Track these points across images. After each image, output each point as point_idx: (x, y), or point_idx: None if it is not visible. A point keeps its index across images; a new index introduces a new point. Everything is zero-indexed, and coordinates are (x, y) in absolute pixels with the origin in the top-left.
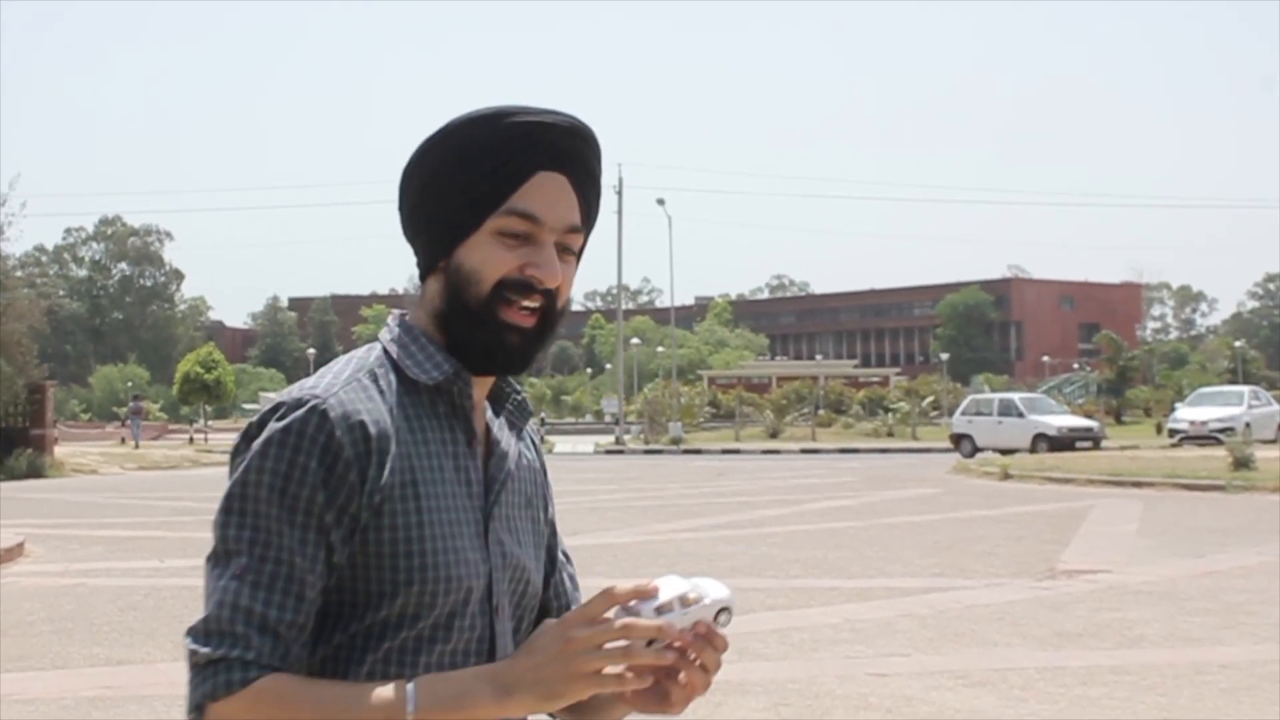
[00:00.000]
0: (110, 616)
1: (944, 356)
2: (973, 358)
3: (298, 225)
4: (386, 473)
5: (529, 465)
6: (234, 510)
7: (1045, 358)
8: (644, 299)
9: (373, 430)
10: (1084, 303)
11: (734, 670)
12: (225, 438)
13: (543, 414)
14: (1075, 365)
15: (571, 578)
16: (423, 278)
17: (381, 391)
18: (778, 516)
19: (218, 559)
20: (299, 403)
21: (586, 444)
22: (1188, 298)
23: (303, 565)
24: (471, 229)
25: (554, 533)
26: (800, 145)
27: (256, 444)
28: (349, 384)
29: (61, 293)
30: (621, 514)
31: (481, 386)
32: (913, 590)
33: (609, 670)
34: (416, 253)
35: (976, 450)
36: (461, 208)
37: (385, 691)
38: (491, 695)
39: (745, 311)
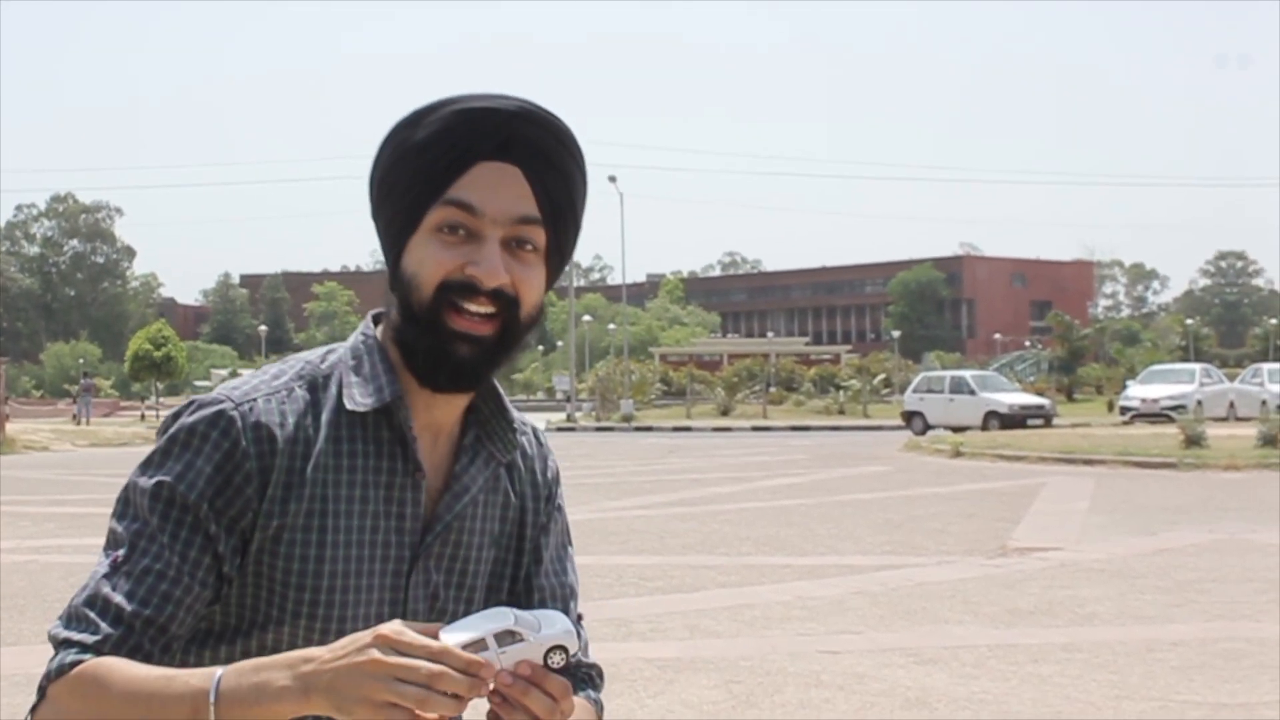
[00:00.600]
0: (62, 593)
1: (895, 334)
2: (924, 335)
3: (250, 201)
4: (292, 496)
5: (503, 504)
6: (126, 501)
7: (997, 335)
8: (595, 276)
9: (284, 447)
10: (1036, 280)
11: (686, 647)
12: None
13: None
14: (1027, 343)
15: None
16: (392, 288)
17: (317, 405)
18: (729, 494)
19: (105, 547)
20: (212, 402)
21: (538, 421)
22: (1140, 275)
23: (178, 566)
24: (413, 227)
25: (566, 597)
26: (753, 121)
27: (161, 440)
28: (277, 392)
29: (13, 269)
30: (572, 491)
31: (447, 409)
32: (864, 568)
33: (402, 704)
34: (386, 264)
35: (928, 428)
36: (404, 205)
37: (194, 677)
38: (293, 692)
39: (697, 289)
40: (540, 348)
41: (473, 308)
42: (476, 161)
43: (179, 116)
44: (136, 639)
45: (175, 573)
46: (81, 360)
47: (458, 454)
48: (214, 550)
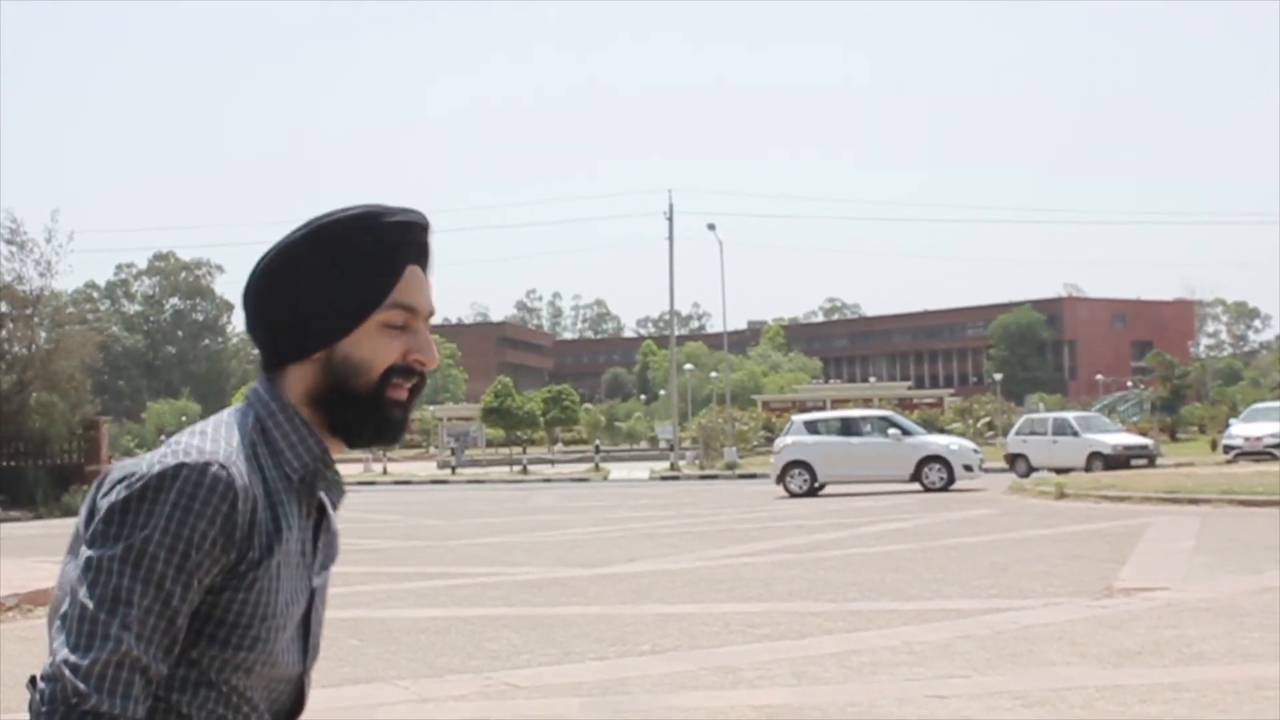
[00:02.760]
0: None
1: (997, 376)
2: (1026, 377)
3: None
4: (263, 549)
5: (335, 534)
6: (132, 562)
7: (1099, 376)
8: (695, 325)
9: (260, 505)
10: (1136, 320)
11: (794, 694)
12: None
13: (598, 441)
14: (1129, 383)
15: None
16: (279, 365)
17: (262, 467)
18: (834, 540)
19: (104, 602)
20: (205, 467)
21: (641, 470)
22: (1241, 313)
23: (182, 619)
24: (358, 323)
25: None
26: (850, 166)
27: (165, 502)
28: (241, 454)
29: (115, 328)
30: (678, 539)
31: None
32: (970, 611)
33: None
34: (276, 342)
35: (1031, 470)
36: (347, 304)
37: None
38: None
39: (798, 335)
40: (643, 397)
41: (406, 383)
42: (407, 266)
43: (275, 171)
44: (153, 687)
45: (180, 625)
46: (184, 419)
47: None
48: (202, 592)
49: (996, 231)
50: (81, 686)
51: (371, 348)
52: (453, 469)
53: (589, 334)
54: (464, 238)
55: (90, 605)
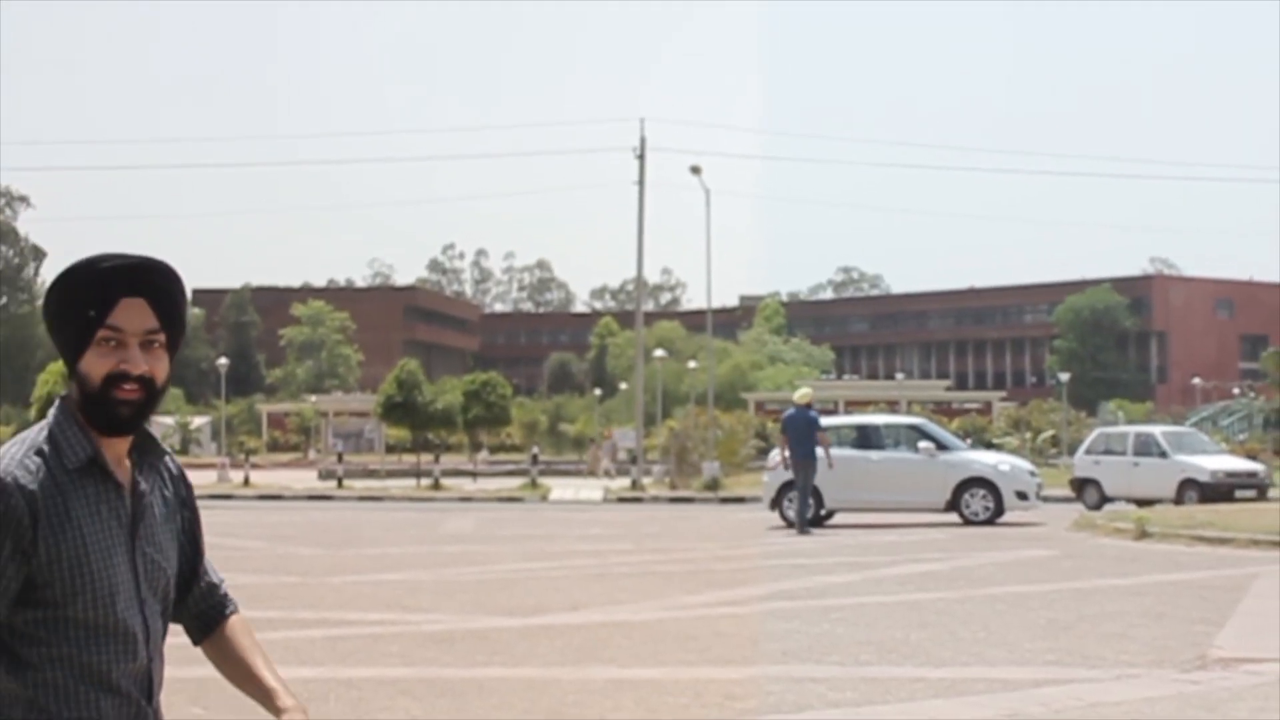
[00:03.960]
0: None
1: (1064, 377)
2: (1101, 379)
3: (203, 193)
4: (56, 527)
5: (167, 497)
6: None
7: (1196, 380)
8: (668, 299)
9: (39, 494)
10: (1248, 308)
11: None
12: None
13: (535, 449)
14: (1235, 390)
15: (212, 585)
16: (69, 379)
17: (50, 464)
18: (844, 584)
19: None
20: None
21: (594, 488)
22: None
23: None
24: (84, 346)
25: (197, 551)
26: (876, 100)
27: None
28: (19, 464)
29: None
30: (639, 581)
31: (119, 445)
32: (1021, 683)
33: None
34: (64, 363)
35: (1105, 500)
36: (75, 333)
37: None
38: None
39: (803, 315)
40: (597, 392)
41: (126, 385)
42: (120, 298)
43: (106, 80)
44: None
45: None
46: None
47: (135, 471)
48: (15, 566)
49: (1067, 187)
50: None
51: (90, 362)
52: (339, 480)
53: (527, 306)
54: (362, 172)
55: None
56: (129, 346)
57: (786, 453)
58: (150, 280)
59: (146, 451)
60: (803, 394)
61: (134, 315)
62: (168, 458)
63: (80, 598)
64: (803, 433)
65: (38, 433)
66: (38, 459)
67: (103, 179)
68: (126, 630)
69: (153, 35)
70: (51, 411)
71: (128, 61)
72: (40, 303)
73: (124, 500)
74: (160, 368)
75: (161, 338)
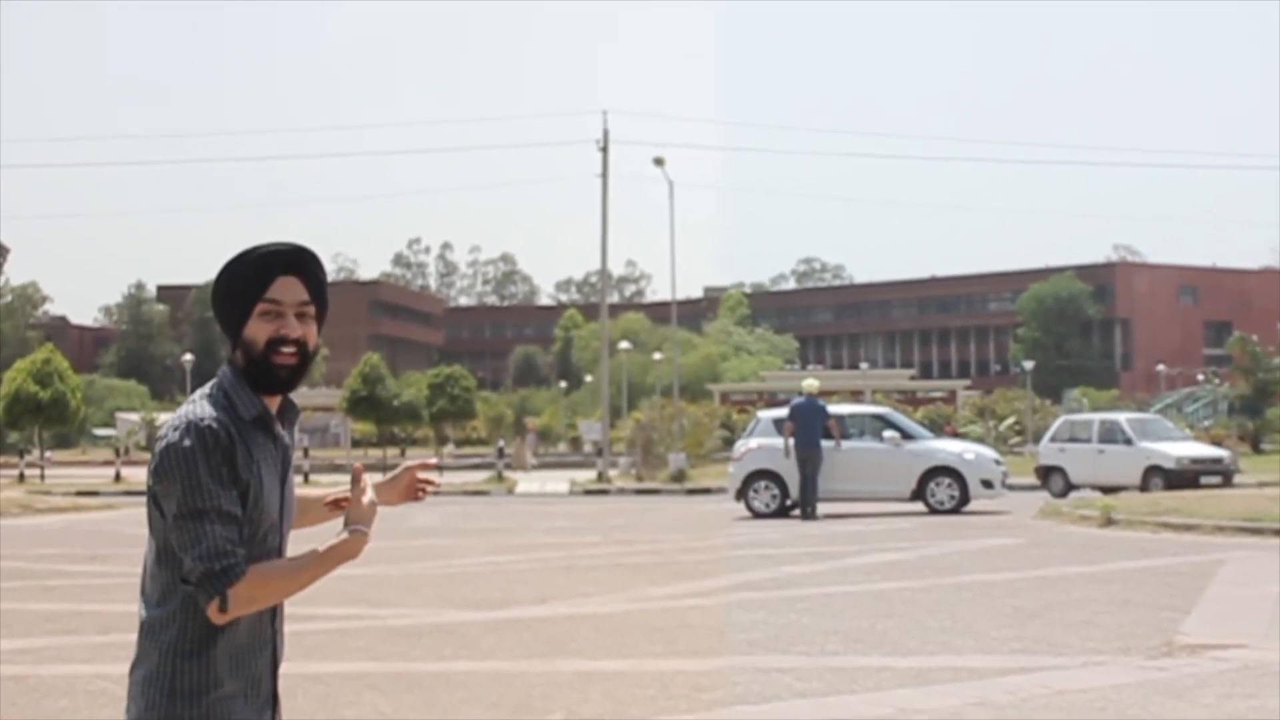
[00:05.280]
0: None
1: (1027, 365)
2: (1065, 366)
3: (167, 188)
4: (243, 459)
5: (291, 449)
6: (190, 488)
7: (1161, 367)
8: (633, 290)
9: (237, 436)
10: (1212, 294)
11: None
12: (69, 474)
13: (501, 442)
14: (1200, 377)
15: None
16: (233, 350)
17: (231, 415)
18: (810, 574)
19: (193, 515)
20: (194, 423)
21: (560, 481)
22: None
23: (229, 505)
24: (247, 317)
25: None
26: (837, 89)
27: (185, 449)
28: (213, 416)
29: None
30: (606, 574)
31: (274, 402)
32: (987, 671)
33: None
34: (223, 330)
35: (1070, 487)
36: (241, 305)
37: (307, 553)
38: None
39: (767, 306)
40: (563, 384)
41: (285, 349)
42: (276, 277)
43: (69, 77)
44: (244, 549)
45: (235, 512)
46: None
47: (279, 426)
48: (236, 493)
49: (1029, 175)
50: (210, 564)
51: (254, 329)
52: (305, 475)
53: (491, 299)
54: (325, 167)
55: (186, 519)
56: (286, 316)
57: (791, 440)
58: (301, 261)
59: (288, 410)
60: (809, 384)
61: (289, 290)
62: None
63: (250, 523)
64: (810, 421)
65: (214, 391)
66: (222, 412)
67: (60, 176)
68: (270, 555)
69: (106, 32)
70: (218, 377)
71: (81, 59)
72: (6, 300)
73: (279, 449)
74: (311, 334)
75: (312, 310)
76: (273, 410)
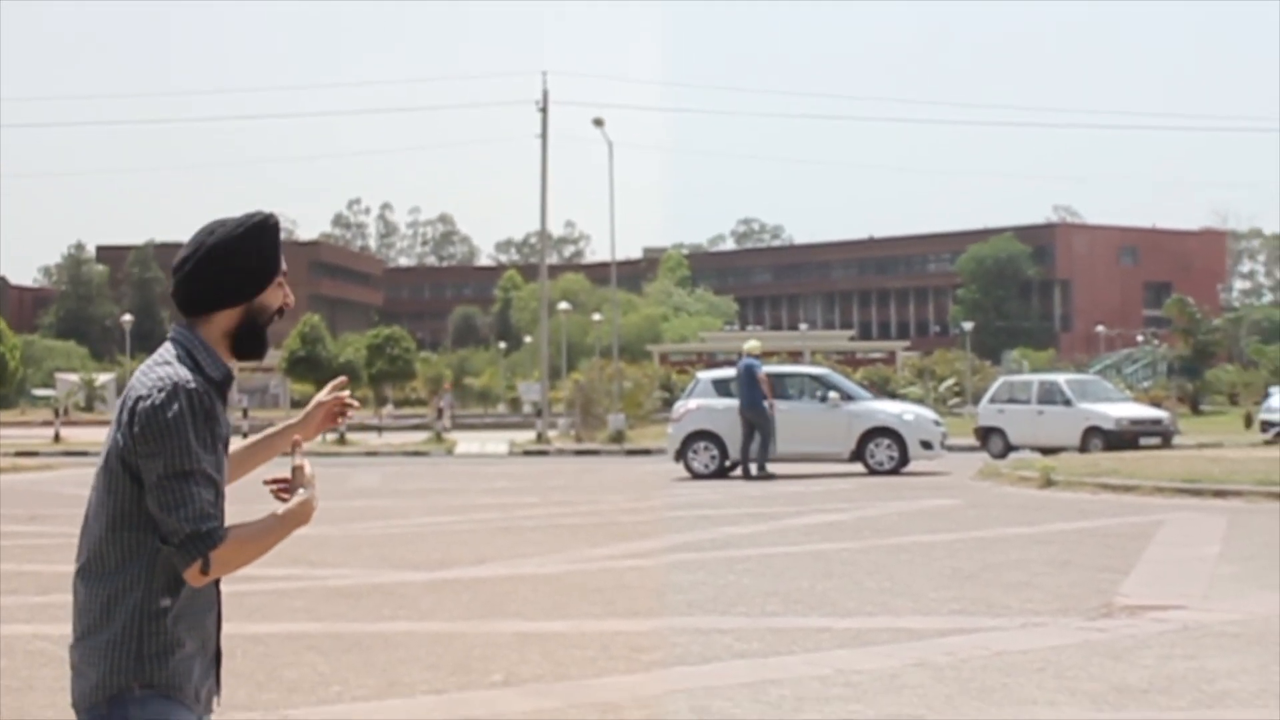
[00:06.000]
0: None
1: (967, 326)
2: (1005, 328)
3: (106, 149)
4: (212, 417)
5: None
6: (179, 450)
7: (1100, 328)
8: (572, 251)
9: (211, 394)
10: (1151, 255)
11: None
12: (7, 435)
13: (441, 402)
14: (1139, 338)
15: None
16: (214, 310)
17: (201, 376)
18: (750, 535)
19: (180, 477)
20: (181, 384)
21: (499, 442)
22: None
23: (211, 470)
24: (268, 284)
25: None
26: (776, 50)
27: (173, 411)
28: (188, 376)
29: None
30: (544, 535)
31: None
32: (926, 632)
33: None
34: (217, 294)
35: (1009, 449)
36: (265, 273)
37: (267, 516)
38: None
39: (706, 266)
40: (502, 345)
41: (278, 317)
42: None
43: (3, 35)
44: (222, 509)
45: (216, 474)
46: None
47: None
48: (216, 455)
49: (968, 136)
50: (197, 525)
51: (272, 295)
52: (244, 435)
53: (431, 260)
54: (265, 128)
55: (172, 480)
56: (284, 285)
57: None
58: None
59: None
60: (750, 345)
61: (286, 261)
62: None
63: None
64: (747, 381)
65: (177, 352)
66: (195, 372)
67: (4, 136)
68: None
69: None
70: (178, 336)
71: (21, 18)
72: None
73: (227, 413)
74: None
75: None
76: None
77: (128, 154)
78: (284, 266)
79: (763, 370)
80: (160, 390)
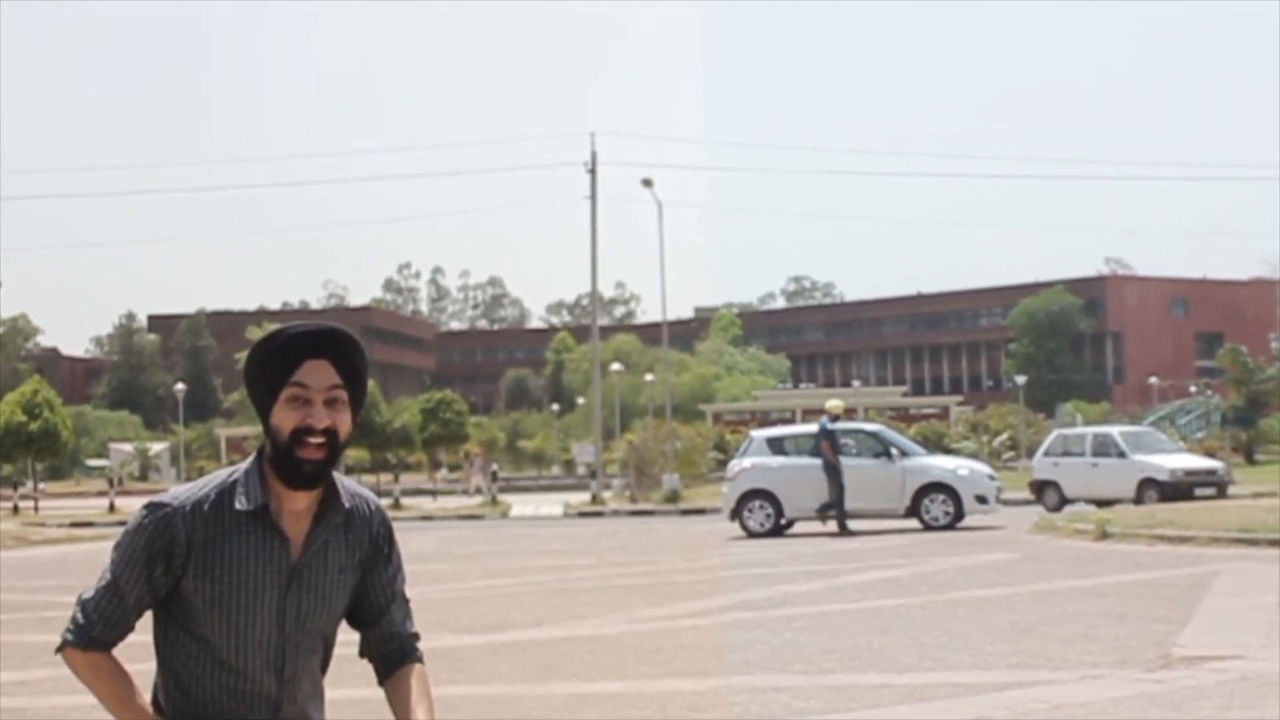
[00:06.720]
0: None
1: (1020, 380)
2: (1057, 381)
3: (155, 218)
4: (208, 556)
5: (345, 547)
6: (120, 554)
7: (1153, 379)
8: (623, 312)
9: (200, 529)
10: (1202, 306)
11: None
12: (63, 506)
13: (495, 466)
14: (1192, 389)
15: (395, 634)
16: (266, 434)
17: (223, 505)
18: (806, 593)
19: (101, 576)
20: (159, 504)
21: (554, 504)
22: None
23: (126, 588)
24: (273, 402)
25: (382, 598)
26: (822, 107)
27: (140, 521)
28: (195, 500)
29: None
30: (600, 596)
31: (301, 498)
32: (984, 687)
33: None
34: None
35: (1064, 501)
36: (266, 389)
37: (132, 711)
38: None
39: (758, 325)
40: (555, 407)
41: (312, 440)
42: (304, 360)
43: (54, 110)
44: (116, 626)
45: (125, 590)
46: None
47: (314, 522)
48: (149, 576)
49: (1017, 189)
50: (77, 613)
51: (281, 417)
52: None
53: (482, 324)
54: (313, 194)
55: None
56: (314, 403)
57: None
58: (332, 343)
59: (329, 505)
60: (832, 405)
61: (318, 374)
62: (371, 506)
63: (213, 625)
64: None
65: (229, 474)
66: (214, 497)
67: (48, 207)
68: (248, 662)
69: (89, 62)
70: (250, 457)
71: (67, 90)
72: None
73: (287, 550)
74: (343, 421)
75: (344, 394)
76: (295, 506)
77: (177, 223)
78: (303, 379)
79: (826, 430)
80: (148, 502)
